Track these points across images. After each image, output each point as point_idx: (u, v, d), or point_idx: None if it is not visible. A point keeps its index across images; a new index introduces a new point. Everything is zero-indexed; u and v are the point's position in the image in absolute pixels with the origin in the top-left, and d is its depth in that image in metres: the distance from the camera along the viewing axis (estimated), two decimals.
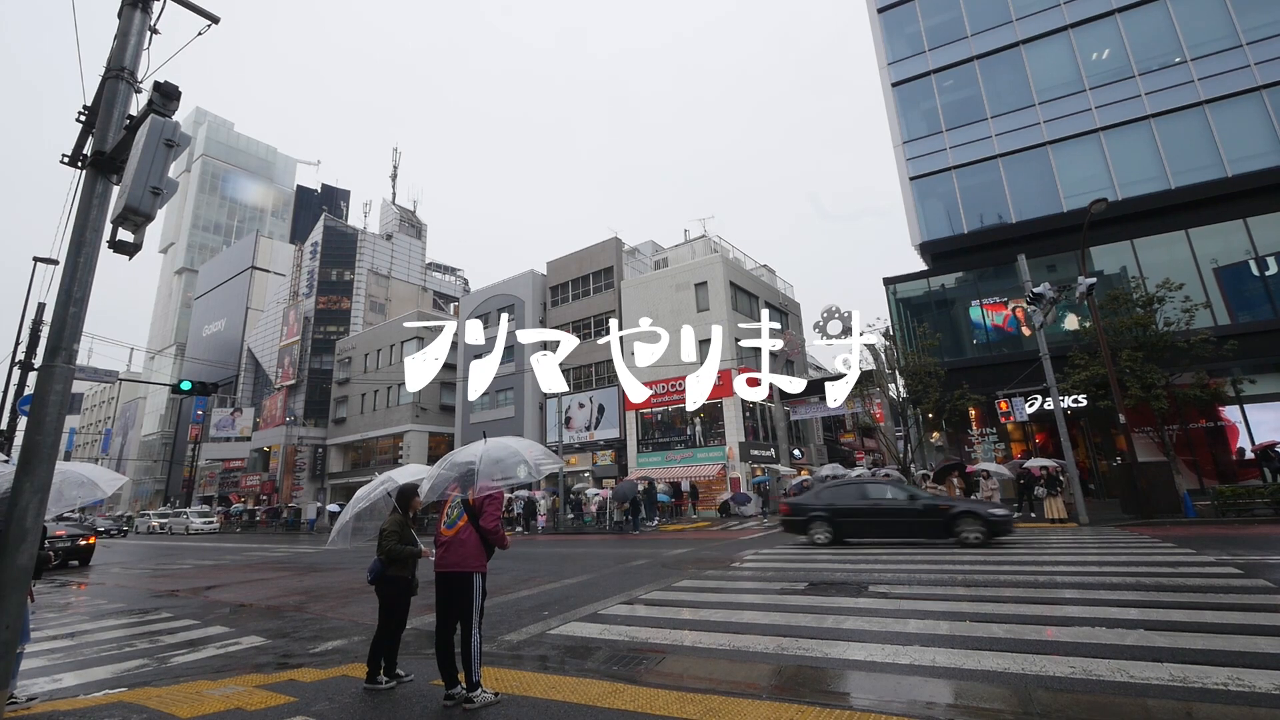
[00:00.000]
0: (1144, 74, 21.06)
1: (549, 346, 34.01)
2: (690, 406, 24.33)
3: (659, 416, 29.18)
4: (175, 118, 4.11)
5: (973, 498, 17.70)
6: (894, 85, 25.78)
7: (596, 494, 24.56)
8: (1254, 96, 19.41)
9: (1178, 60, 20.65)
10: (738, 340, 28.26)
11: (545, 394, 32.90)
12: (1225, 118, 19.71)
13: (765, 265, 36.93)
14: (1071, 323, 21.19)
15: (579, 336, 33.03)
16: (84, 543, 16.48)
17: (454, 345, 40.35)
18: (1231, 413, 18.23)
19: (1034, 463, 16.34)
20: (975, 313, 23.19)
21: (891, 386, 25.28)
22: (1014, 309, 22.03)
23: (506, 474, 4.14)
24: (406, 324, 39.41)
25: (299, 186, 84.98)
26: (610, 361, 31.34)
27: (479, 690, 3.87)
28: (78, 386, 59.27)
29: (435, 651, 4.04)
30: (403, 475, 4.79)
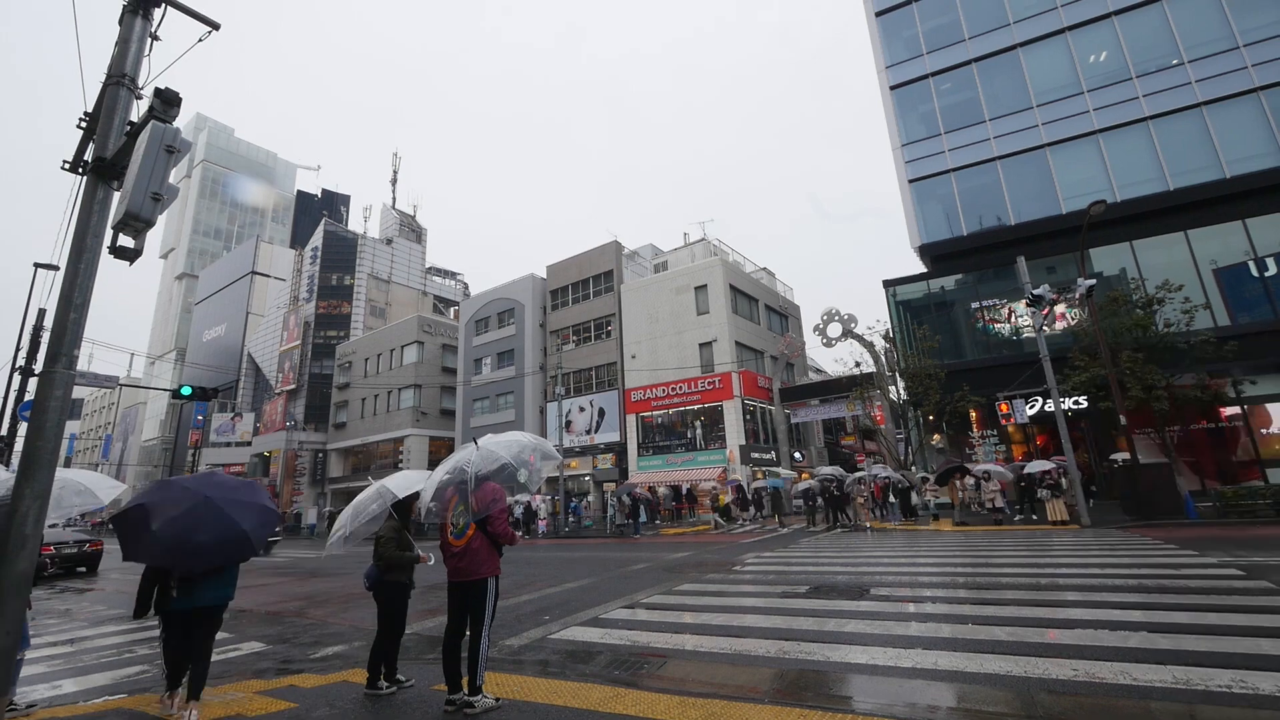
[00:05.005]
0: (1141, 76, 21.11)
1: (549, 348, 34.04)
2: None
3: (659, 420, 29.15)
4: (176, 124, 4.12)
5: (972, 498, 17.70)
6: (892, 88, 25.85)
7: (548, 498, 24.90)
8: (1251, 98, 19.46)
9: (1175, 62, 20.71)
10: (738, 343, 28.27)
11: (546, 398, 32.91)
12: (1223, 119, 19.75)
13: (764, 268, 36.95)
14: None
15: (579, 340, 33.08)
16: (91, 549, 16.43)
17: (455, 349, 40.42)
18: (1232, 413, 18.21)
19: (1034, 466, 16.30)
20: (973, 314, 23.18)
21: (892, 389, 25.28)
22: (1011, 313, 22.03)
23: (509, 480, 4.14)
24: (406, 329, 39.44)
25: (299, 191, 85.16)
26: (611, 365, 31.37)
27: (480, 695, 3.86)
28: (78, 392, 59.33)
29: (442, 655, 4.03)
30: (395, 482, 4.75)
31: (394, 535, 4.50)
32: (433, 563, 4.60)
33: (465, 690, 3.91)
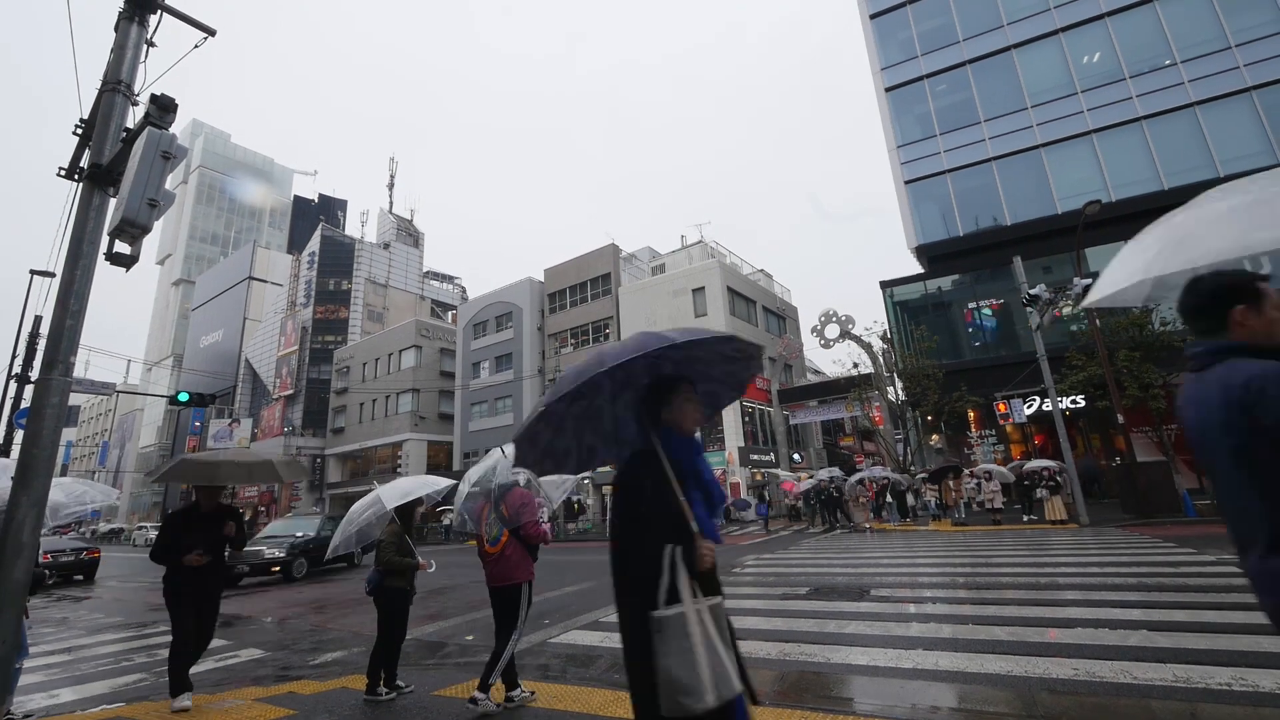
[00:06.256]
0: (1135, 76, 21.24)
1: (547, 351, 34.02)
2: None
3: None
4: (172, 129, 4.11)
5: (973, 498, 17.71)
6: (887, 90, 25.96)
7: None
8: (1244, 98, 19.58)
9: (1168, 63, 20.84)
10: None
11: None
12: (1216, 119, 19.87)
13: (762, 270, 37.01)
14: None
15: (577, 343, 33.06)
16: (88, 557, 16.37)
17: (453, 353, 40.39)
18: None
19: (1034, 464, 16.34)
20: (972, 315, 23.23)
21: (890, 389, 25.33)
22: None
23: (535, 486, 4.19)
24: (403, 333, 39.36)
25: (296, 196, 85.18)
26: None
27: (485, 696, 3.90)
28: (75, 399, 59.15)
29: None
30: (389, 492, 4.75)
31: (395, 540, 4.50)
32: (433, 569, 4.66)
33: (479, 691, 3.94)
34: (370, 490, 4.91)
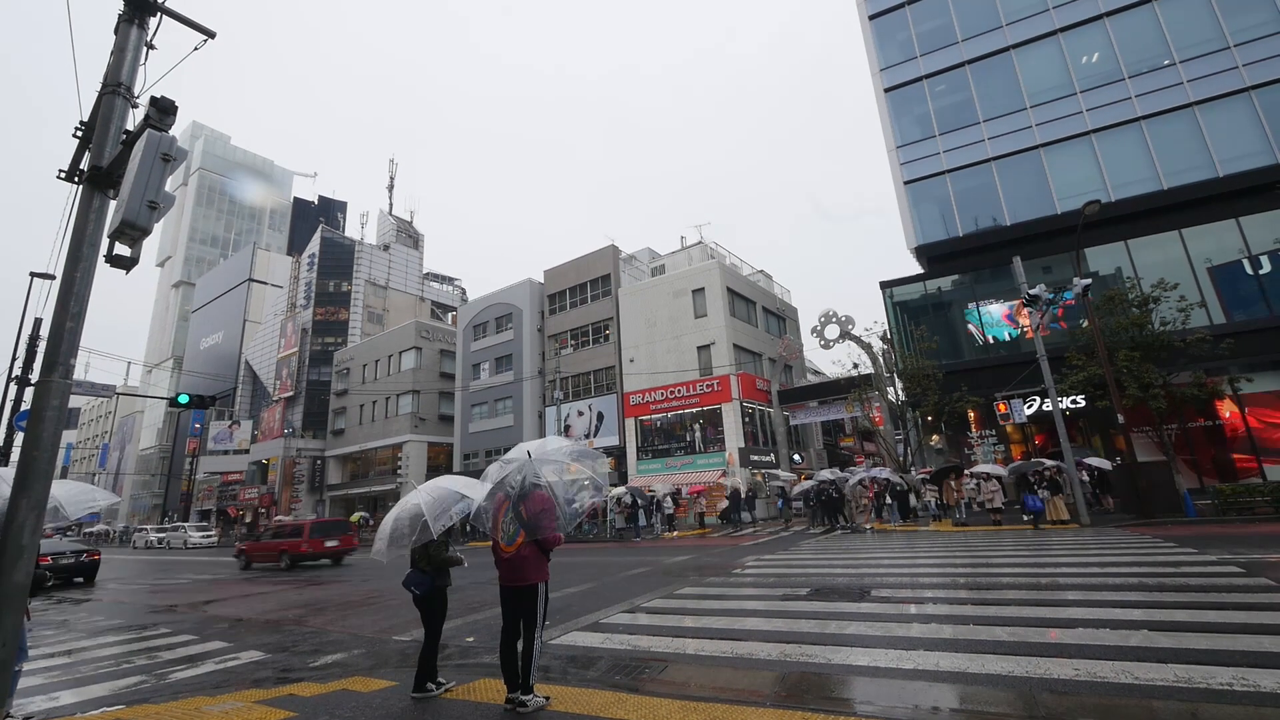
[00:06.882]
0: (1134, 76, 21.25)
1: (547, 352, 34.02)
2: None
3: (658, 423, 29.13)
4: (172, 132, 4.12)
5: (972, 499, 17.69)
6: (886, 91, 25.97)
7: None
8: (1243, 97, 19.58)
9: (1166, 63, 20.85)
10: (736, 345, 28.28)
11: (545, 402, 32.89)
12: (1215, 118, 19.87)
13: (762, 270, 37.01)
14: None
15: (577, 344, 33.07)
16: (88, 559, 16.36)
17: (453, 354, 40.39)
18: (1229, 410, 18.26)
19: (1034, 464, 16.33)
20: (972, 316, 23.23)
21: (890, 390, 25.30)
22: (1014, 309, 22.10)
23: (569, 496, 4.18)
24: (404, 334, 39.30)
25: (296, 198, 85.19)
26: (609, 369, 31.36)
27: (532, 695, 3.99)
28: (75, 401, 59.02)
29: (500, 656, 4.13)
30: (446, 484, 4.61)
31: (445, 539, 4.53)
32: (466, 565, 4.81)
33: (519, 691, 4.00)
34: (413, 485, 4.76)
